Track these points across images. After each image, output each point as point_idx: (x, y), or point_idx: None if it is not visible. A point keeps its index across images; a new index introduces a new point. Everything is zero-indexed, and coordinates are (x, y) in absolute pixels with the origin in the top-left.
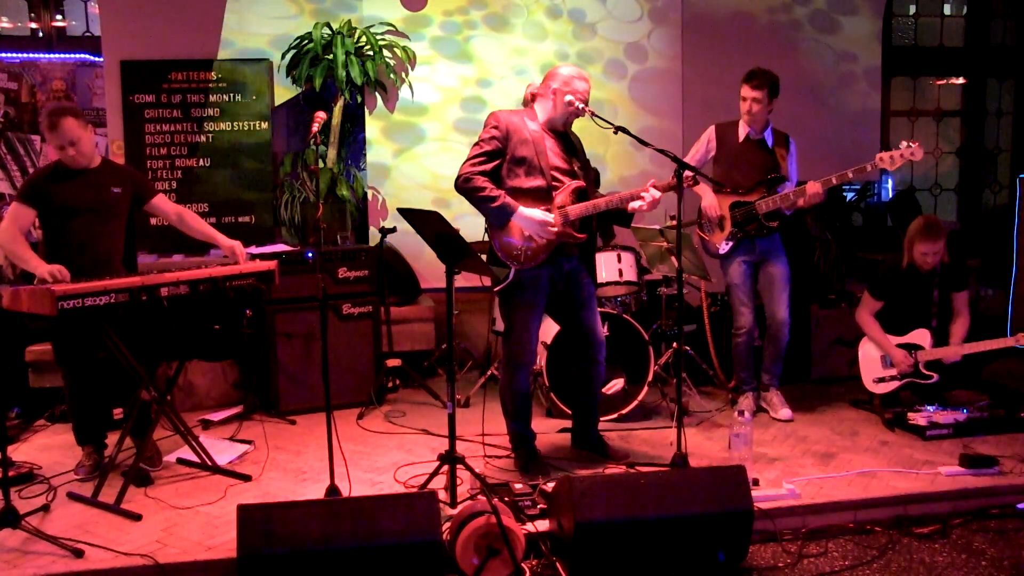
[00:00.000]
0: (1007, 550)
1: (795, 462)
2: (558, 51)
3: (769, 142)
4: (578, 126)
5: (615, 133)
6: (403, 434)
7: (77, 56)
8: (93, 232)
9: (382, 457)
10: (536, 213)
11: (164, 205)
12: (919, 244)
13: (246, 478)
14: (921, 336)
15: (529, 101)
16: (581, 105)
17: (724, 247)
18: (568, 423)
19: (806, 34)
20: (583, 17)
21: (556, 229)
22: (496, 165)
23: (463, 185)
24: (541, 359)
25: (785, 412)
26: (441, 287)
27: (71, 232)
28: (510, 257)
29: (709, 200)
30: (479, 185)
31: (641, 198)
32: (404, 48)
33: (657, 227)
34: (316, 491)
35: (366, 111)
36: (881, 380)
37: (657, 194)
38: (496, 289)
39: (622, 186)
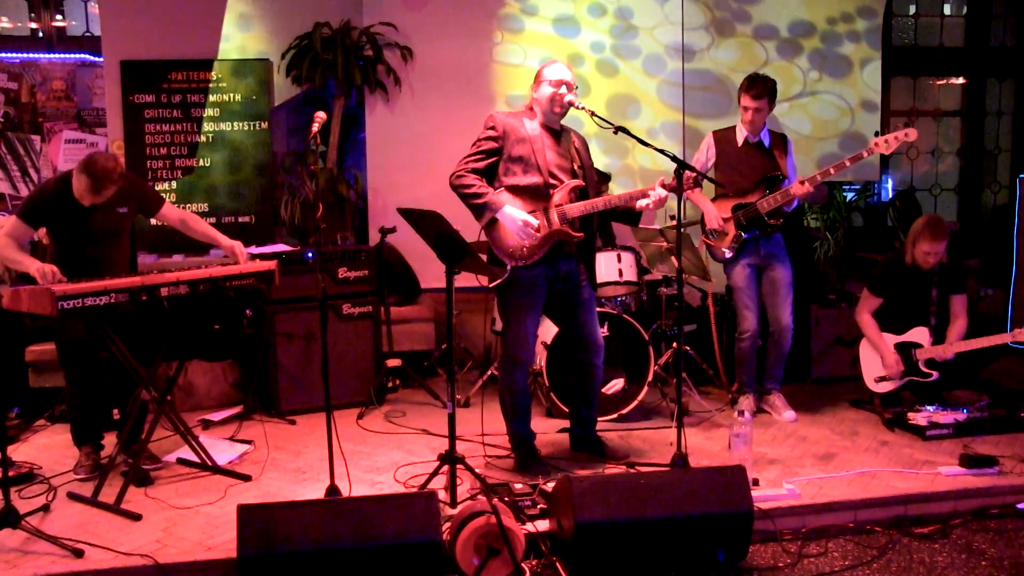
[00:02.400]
0: (1007, 550)
1: (795, 462)
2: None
3: (766, 143)
4: (592, 134)
5: (615, 133)
6: (403, 434)
7: (77, 56)
8: (100, 253)
9: (382, 457)
10: (518, 215)
11: (169, 213)
12: (922, 243)
13: (246, 478)
14: (920, 334)
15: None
16: (566, 95)
17: (729, 252)
18: (568, 423)
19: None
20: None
21: (534, 231)
22: (492, 163)
23: (454, 182)
24: (541, 359)
25: (789, 414)
26: (441, 287)
27: (80, 255)
28: (506, 254)
29: (710, 212)
30: (468, 182)
31: (647, 196)
32: (404, 48)
33: (657, 227)
34: (316, 491)
35: (366, 111)
36: (882, 379)
37: (663, 193)
38: (493, 285)
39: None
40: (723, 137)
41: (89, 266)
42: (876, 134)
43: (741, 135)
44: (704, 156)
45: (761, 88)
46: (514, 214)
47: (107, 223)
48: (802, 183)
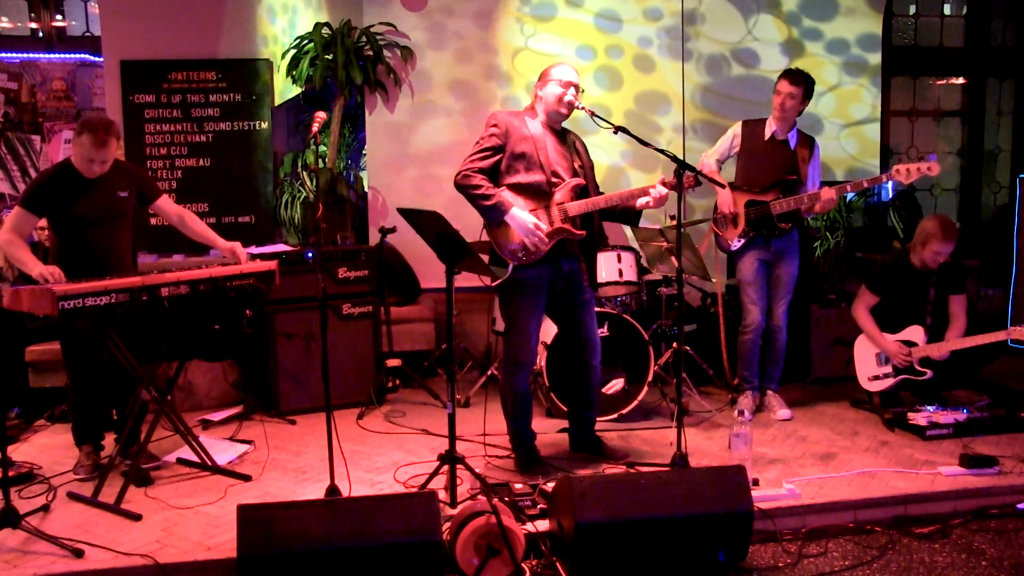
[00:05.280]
0: (1007, 550)
1: (795, 462)
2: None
3: (792, 143)
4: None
5: (615, 133)
6: (403, 434)
7: (77, 56)
8: (104, 238)
9: (382, 457)
10: (527, 218)
11: (167, 207)
12: (934, 243)
13: (246, 478)
14: (915, 333)
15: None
16: (572, 96)
17: (736, 244)
18: (568, 423)
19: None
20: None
21: (545, 235)
22: (496, 162)
23: (461, 181)
24: (541, 359)
25: (784, 412)
26: (441, 287)
27: (82, 239)
28: (509, 254)
29: (724, 196)
30: (476, 183)
31: (648, 194)
32: (404, 48)
33: (657, 227)
34: (316, 491)
35: (366, 111)
36: (876, 378)
37: (664, 191)
38: (495, 284)
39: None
40: (751, 129)
41: (92, 252)
42: (899, 161)
43: (769, 129)
44: (728, 144)
45: (798, 77)
46: (524, 217)
47: (108, 204)
48: (816, 199)
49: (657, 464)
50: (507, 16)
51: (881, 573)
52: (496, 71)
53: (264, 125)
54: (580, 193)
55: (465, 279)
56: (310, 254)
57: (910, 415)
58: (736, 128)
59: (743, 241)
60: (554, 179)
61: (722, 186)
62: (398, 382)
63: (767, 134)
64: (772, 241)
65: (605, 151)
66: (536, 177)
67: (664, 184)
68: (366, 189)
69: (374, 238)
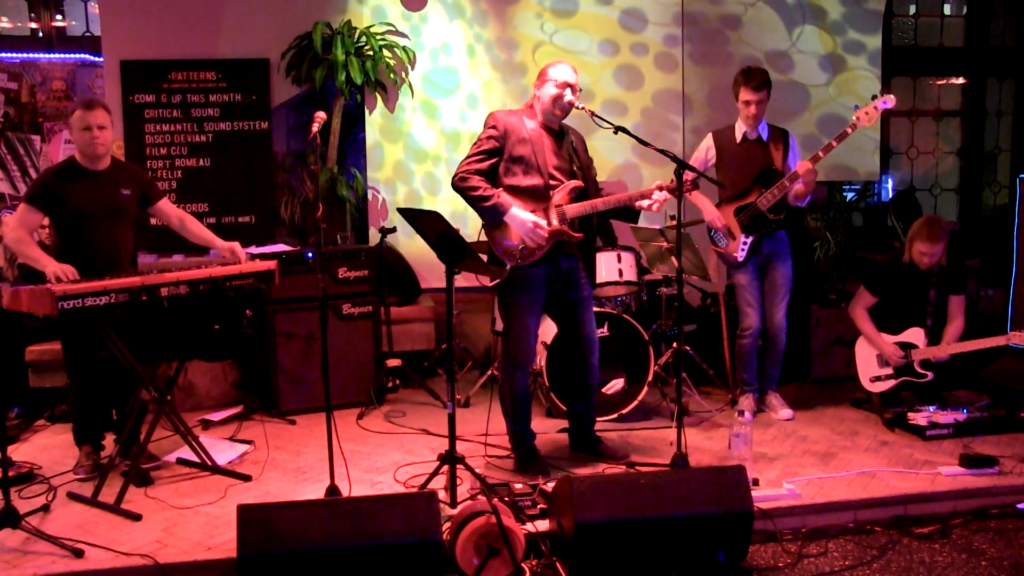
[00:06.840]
0: (1007, 550)
1: (795, 462)
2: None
3: (764, 138)
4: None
5: (615, 133)
6: (403, 434)
7: (77, 56)
8: (105, 235)
9: (382, 457)
10: (527, 216)
11: (168, 209)
12: (919, 243)
13: (246, 478)
14: (915, 335)
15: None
16: (569, 97)
17: (741, 254)
18: (567, 423)
19: None
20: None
21: (545, 233)
22: (493, 163)
23: (458, 183)
24: (541, 359)
25: (785, 412)
26: (441, 287)
27: (84, 236)
28: (507, 254)
29: (711, 213)
30: (473, 184)
31: (650, 198)
32: (404, 48)
33: (657, 227)
34: (316, 491)
35: (366, 111)
36: (877, 379)
37: (663, 196)
38: (492, 284)
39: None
40: (722, 136)
41: (93, 250)
42: (856, 107)
43: (739, 132)
44: (704, 156)
45: (759, 80)
46: (523, 216)
47: (110, 201)
48: (795, 178)
49: (657, 464)
50: (525, 10)
51: (881, 573)
52: (507, 66)
53: (264, 125)
54: (579, 195)
55: (465, 279)
56: (310, 254)
57: (910, 415)
58: (708, 140)
59: (746, 248)
60: (552, 181)
61: (721, 185)
62: (398, 382)
63: (738, 137)
64: (763, 243)
65: (619, 146)
66: (534, 180)
67: (661, 189)
68: (366, 189)
69: (374, 238)
